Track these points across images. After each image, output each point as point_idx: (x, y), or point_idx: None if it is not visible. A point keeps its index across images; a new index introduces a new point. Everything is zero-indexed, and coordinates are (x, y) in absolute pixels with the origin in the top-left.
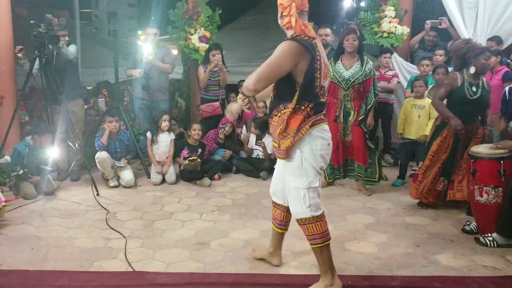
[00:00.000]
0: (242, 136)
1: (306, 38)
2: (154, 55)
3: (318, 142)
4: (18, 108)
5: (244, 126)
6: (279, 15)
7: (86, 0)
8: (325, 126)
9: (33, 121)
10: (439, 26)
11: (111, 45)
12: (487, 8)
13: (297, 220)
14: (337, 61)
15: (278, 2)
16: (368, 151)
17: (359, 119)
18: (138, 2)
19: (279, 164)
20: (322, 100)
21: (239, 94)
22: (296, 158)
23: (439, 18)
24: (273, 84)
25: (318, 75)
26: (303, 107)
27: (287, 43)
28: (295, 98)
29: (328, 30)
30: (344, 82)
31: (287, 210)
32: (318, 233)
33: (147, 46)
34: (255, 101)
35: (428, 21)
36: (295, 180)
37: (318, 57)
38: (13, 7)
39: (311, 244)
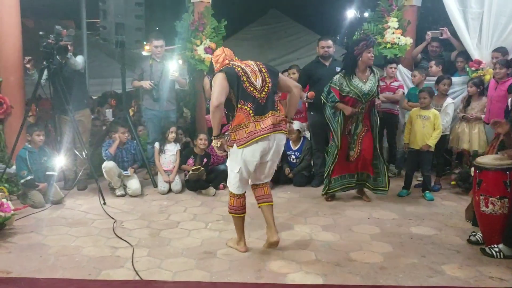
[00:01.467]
0: None
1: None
2: (177, 72)
3: (249, 151)
4: (26, 118)
5: None
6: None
7: (93, 11)
8: (265, 139)
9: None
10: (440, 37)
11: (118, 56)
12: (491, 18)
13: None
14: (353, 76)
15: (213, 55)
16: (374, 160)
17: (372, 134)
18: (144, 13)
19: None
20: (257, 96)
21: (213, 140)
22: (234, 148)
23: (440, 28)
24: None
25: (244, 79)
26: (241, 105)
27: (217, 76)
28: (235, 100)
29: (330, 42)
30: (364, 96)
31: (263, 185)
32: (232, 206)
33: (173, 63)
34: (226, 142)
35: (428, 32)
36: (228, 161)
37: (238, 69)
38: (21, 18)
39: (229, 211)
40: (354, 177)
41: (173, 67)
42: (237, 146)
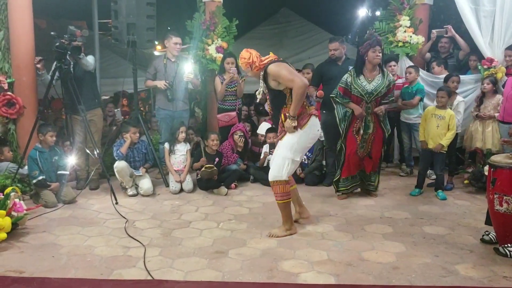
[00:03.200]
0: (262, 154)
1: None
2: (193, 74)
3: (313, 124)
4: (39, 118)
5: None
6: (249, 68)
7: (105, 12)
8: (316, 120)
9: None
10: (445, 35)
11: (130, 56)
12: (504, 16)
13: (273, 182)
14: (360, 75)
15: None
16: (380, 162)
17: (382, 136)
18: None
19: None
20: None
21: (289, 121)
22: (295, 136)
23: (444, 26)
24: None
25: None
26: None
27: (278, 65)
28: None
29: (336, 44)
30: (367, 95)
31: None
32: (283, 192)
33: (188, 65)
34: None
35: (433, 30)
36: (284, 150)
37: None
38: (34, 19)
39: (278, 201)
40: (355, 176)
41: (188, 68)
42: (302, 126)
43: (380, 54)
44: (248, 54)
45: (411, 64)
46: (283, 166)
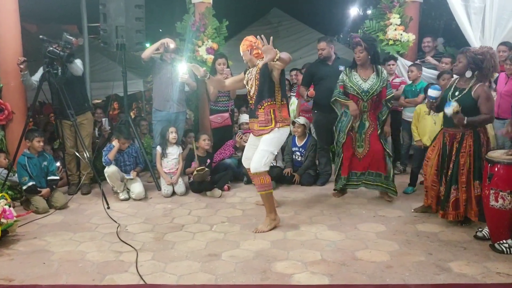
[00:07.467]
0: None
1: None
2: (187, 74)
3: (285, 132)
4: (28, 123)
5: None
6: (248, 51)
7: (93, 15)
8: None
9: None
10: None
11: (119, 59)
12: (493, 13)
13: (255, 173)
14: (353, 72)
15: (245, 39)
16: (387, 160)
17: (378, 132)
18: (145, 15)
19: (256, 141)
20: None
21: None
22: (275, 134)
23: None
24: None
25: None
26: (284, 102)
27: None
28: (280, 94)
29: (323, 44)
30: (363, 93)
31: None
32: (266, 183)
33: (182, 66)
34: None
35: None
36: (267, 146)
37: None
38: (23, 23)
39: (260, 191)
40: (358, 175)
41: (182, 69)
42: (281, 126)
43: (361, 54)
44: (254, 39)
45: (409, 63)
46: (263, 157)
